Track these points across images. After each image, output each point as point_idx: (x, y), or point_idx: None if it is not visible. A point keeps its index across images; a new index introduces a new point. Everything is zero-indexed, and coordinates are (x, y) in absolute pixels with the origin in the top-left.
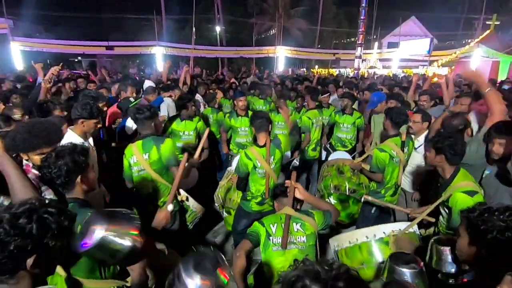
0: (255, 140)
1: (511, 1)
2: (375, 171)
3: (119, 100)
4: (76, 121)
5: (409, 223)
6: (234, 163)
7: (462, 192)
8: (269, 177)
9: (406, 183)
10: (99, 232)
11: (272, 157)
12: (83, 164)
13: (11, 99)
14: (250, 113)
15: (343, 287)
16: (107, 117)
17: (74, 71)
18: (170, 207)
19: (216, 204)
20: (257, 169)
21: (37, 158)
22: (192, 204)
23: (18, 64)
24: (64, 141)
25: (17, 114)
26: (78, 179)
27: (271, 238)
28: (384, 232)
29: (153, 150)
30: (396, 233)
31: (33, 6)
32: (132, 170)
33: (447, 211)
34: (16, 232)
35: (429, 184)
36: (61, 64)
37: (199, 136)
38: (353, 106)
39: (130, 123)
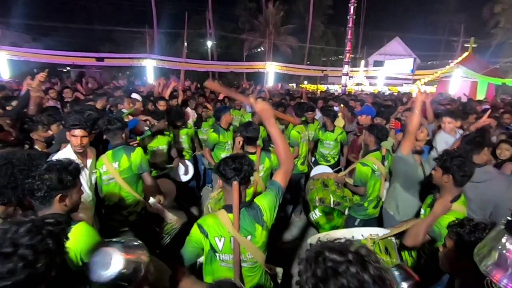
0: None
1: (488, 26)
2: (358, 185)
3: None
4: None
5: (387, 230)
6: None
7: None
8: (256, 185)
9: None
10: (118, 264)
11: (262, 165)
12: (68, 184)
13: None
14: (232, 128)
15: (354, 251)
16: None
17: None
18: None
19: (204, 215)
20: None
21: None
22: (166, 215)
23: (4, 73)
24: (58, 155)
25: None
26: (57, 197)
27: (217, 254)
28: (362, 235)
29: (123, 159)
30: (373, 237)
31: (21, 15)
32: (102, 179)
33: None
34: (38, 251)
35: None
36: (46, 70)
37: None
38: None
39: None
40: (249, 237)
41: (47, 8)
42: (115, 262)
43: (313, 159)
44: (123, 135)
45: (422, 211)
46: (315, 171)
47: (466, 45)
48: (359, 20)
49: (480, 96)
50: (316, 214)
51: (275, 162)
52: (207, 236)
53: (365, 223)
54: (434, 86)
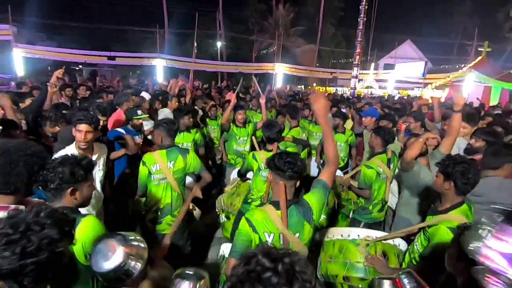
0: (252, 149)
1: (503, 30)
2: (362, 187)
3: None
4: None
5: (386, 233)
6: (234, 174)
7: (447, 227)
8: (270, 183)
9: (392, 201)
10: (118, 256)
11: None
12: (79, 178)
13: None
14: (250, 125)
15: (288, 262)
16: (111, 124)
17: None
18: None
19: (217, 208)
20: (261, 171)
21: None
22: (196, 213)
23: (19, 70)
24: (61, 153)
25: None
26: (69, 190)
27: None
28: (358, 235)
29: (179, 159)
30: (369, 239)
31: (37, 14)
32: (152, 179)
33: (426, 237)
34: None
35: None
36: (63, 67)
37: (196, 147)
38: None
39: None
40: (297, 234)
41: (61, 8)
42: (116, 254)
43: (321, 161)
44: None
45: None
46: None
47: (480, 49)
48: (370, 23)
49: (494, 101)
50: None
51: None
52: (255, 231)
53: (369, 226)
54: (446, 91)
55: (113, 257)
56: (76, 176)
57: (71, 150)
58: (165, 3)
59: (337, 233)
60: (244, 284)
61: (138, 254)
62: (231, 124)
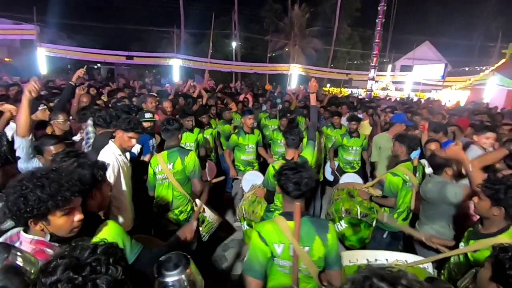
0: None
1: None
2: (388, 196)
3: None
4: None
5: (419, 258)
6: (245, 181)
7: None
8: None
9: None
10: (181, 271)
11: None
12: (99, 178)
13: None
14: (256, 131)
15: (406, 285)
16: None
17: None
18: (194, 223)
19: (237, 216)
20: None
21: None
22: (208, 214)
23: (43, 68)
24: (103, 152)
25: (60, 119)
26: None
27: (275, 259)
28: (386, 259)
29: (177, 161)
30: (399, 264)
31: (58, 14)
32: (156, 178)
33: (466, 259)
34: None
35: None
36: (85, 66)
37: (198, 147)
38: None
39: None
40: (306, 248)
41: (81, 8)
42: (181, 268)
43: (336, 164)
44: (179, 136)
45: (462, 245)
46: (344, 179)
47: (503, 51)
48: (388, 23)
49: None
50: (342, 226)
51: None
52: (266, 243)
53: (393, 235)
54: (466, 94)
55: (177, 270)
56: (96, 177)
57: (111, 149)
58: (182, 4)
59: (361, 256)
60: None
61: (195, 277)
62: (234, 134)
